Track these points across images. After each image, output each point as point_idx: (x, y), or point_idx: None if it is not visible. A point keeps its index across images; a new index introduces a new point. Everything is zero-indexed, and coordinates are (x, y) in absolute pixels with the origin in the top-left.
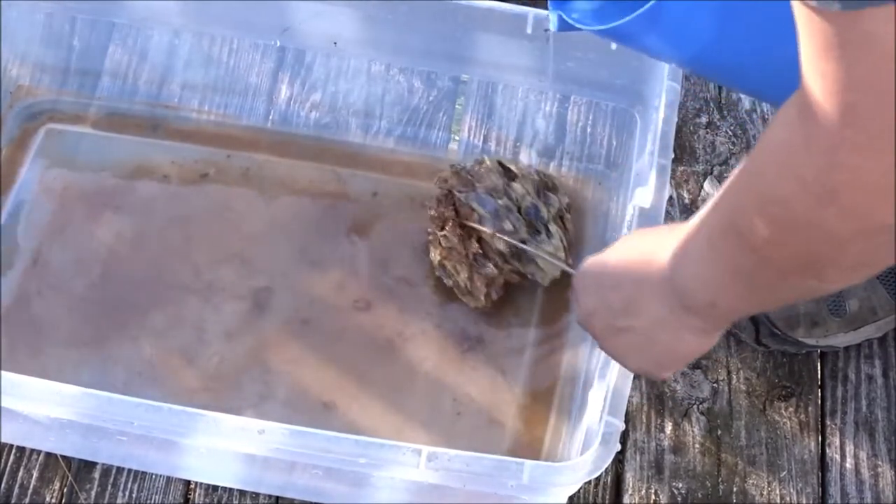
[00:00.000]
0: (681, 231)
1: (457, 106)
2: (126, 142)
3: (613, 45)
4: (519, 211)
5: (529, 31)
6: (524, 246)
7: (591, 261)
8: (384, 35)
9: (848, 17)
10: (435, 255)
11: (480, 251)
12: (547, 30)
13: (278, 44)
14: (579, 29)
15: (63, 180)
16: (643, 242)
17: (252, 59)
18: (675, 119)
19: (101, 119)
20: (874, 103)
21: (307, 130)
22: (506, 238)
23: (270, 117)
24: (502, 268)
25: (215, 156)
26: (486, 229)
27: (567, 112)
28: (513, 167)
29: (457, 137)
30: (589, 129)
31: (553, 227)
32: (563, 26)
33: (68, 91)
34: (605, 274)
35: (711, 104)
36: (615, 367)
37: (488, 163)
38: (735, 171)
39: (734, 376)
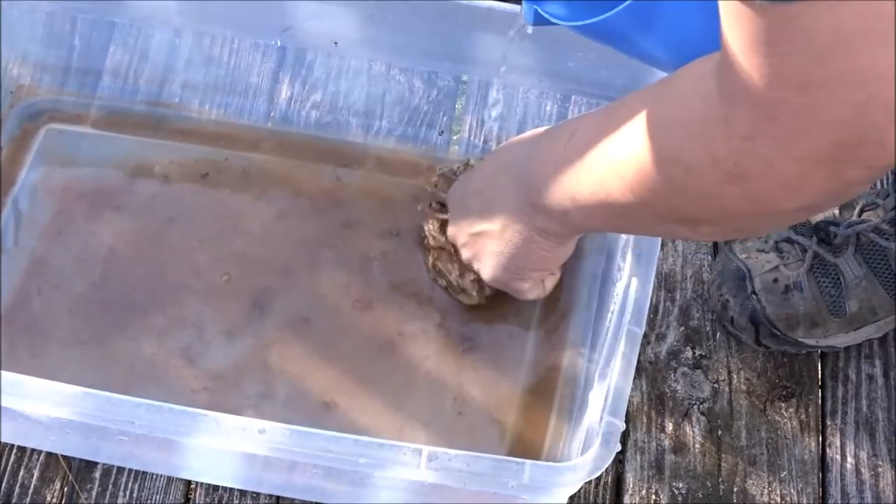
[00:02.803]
0: (552, 144)
1: (457, 106)
2: (126, 141)
3: None
4: None
5: (530, 31)
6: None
7: (463, 174)
8: (385, 35)
9: (780, 12)
10: (428, 258)
11: None
12: (523, 26)
13: (279, 43)
14: (555, 23)
15: (63, 180)
16: (511, 150)
17: (253, 59)
18: None
19: (102, 119)
20: (801, 103)
21: (307, 130)
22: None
23: (271, 117)
24: None
25: (215, 156)
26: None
27: (567, 112)
28: None
29: (457, 137)
30: None
31: None
32: (539, 20)
33: (69, 91)
34: (471, 182)
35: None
36: (616, 367)
37: (472, 163)
38: (619, 108)
39: (734, 376)
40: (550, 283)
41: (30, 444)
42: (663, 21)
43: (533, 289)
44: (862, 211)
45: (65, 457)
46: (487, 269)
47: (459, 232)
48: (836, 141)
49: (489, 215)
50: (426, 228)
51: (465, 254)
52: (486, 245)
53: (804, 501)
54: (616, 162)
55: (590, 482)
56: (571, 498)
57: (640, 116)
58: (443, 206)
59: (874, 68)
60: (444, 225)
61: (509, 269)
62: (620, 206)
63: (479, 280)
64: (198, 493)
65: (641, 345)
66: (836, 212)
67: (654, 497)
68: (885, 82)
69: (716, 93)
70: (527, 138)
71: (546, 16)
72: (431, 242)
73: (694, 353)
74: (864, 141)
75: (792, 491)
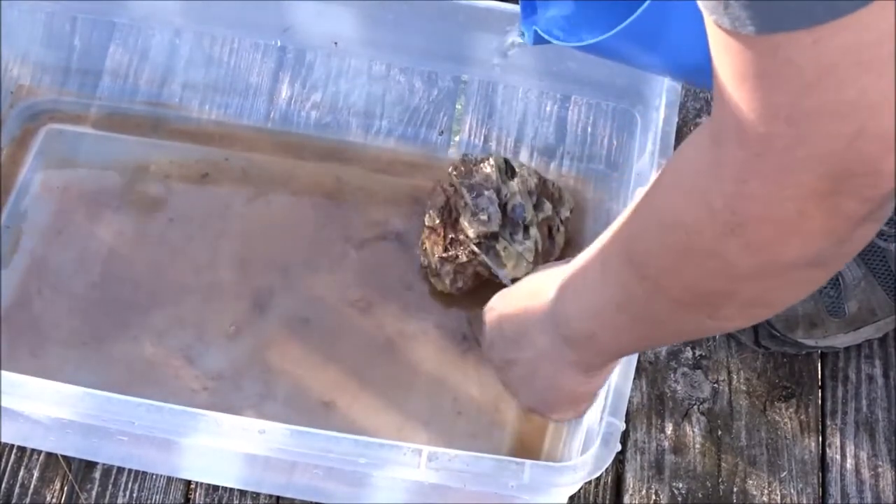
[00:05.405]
0: (577, 260)
1: (457, 106)
2: (126, 142)
3: None
4: (505, 207)
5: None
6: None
7: (500, 293)
8: (385, 35)
9: (765, 44)
10: (422, 236)
11: (458, 237)
12: (520, 43)
13: (279, 43)
14: (556, 44)
15: (63, 180)
16: (545, 274)
17: (253, 59)
18: (676, 119)
19: (102, 119)
20: (791, 135)
21: (307, 130)
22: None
23: (271, 117)
24: (470, 258)
25: (215, 156)
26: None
27: (567, 112)
28: (516, 167)
29: (457, 138)
30: (589, 129)
31: (533, 231)
32: (539, 40)
33: (69, 91)
34: (505, 305)
35: (712, 104)
36: (616, 367)
37: (492, 159)
38: (639, 195)
39: (734, 377)
40: (584, 408)
41: (30, 445)
42: (665, 39)
43: (568, 415)
44: None
45: (65, 457)
46: (522, 396)
47: (493, 354)
48: (827, 174)
49: (522, 344)
50: (429, 204)
51: (499, 376)
52: (519, 373)
53: (804, 501)
54: (626, 249)
55: (590, 482)
56: (571, 498)
57: (647, 194)
58: (454, 189)
59: (863, 98)
60: (445, 206)
61: (540, 399)
62: (638, 303)
63: (456, 271)
64: (198, 493)
65: None
66: None
67: (654, 497)
68: (876, 112)
69: (707, 139)
70: (561, 262)
71: (546, 37)
72: (427, 221)
73: (694, 354)
74: (857, 172)
75: (792, 491)
